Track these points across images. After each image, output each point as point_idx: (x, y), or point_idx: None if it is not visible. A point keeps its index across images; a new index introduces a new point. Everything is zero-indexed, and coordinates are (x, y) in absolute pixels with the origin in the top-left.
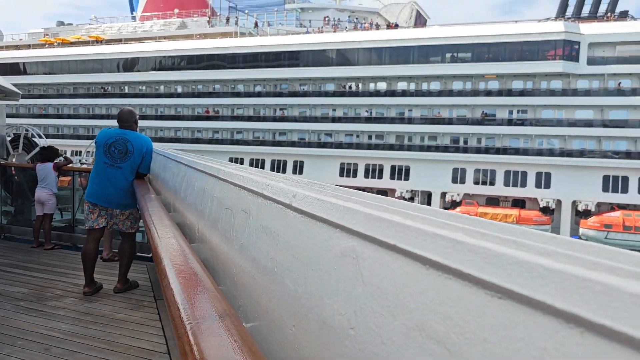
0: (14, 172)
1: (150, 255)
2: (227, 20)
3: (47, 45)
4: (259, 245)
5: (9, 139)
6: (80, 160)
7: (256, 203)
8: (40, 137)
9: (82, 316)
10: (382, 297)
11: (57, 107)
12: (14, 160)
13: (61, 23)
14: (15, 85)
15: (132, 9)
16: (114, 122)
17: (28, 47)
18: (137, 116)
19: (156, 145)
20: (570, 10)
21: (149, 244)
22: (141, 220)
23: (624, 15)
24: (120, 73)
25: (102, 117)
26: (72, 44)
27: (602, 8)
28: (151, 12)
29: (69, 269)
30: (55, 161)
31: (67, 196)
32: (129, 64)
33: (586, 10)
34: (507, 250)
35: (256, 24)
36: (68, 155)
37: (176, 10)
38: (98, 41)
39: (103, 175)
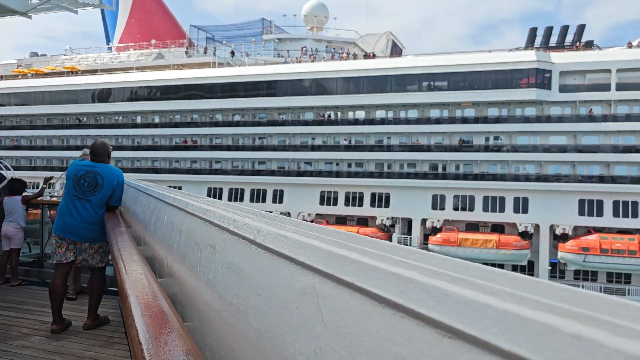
0: None
1: None
2: (205, 50)
3: (20, 77)
4: (224, 282)
5: None
6: (50, 193)
7: (222, 238)
8: (7, 169)
9: (50, 355)
10: (340, 336)
11: (30, 138)
12: None
13: (35, 54)
14: None
15: (108, 40)
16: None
17: (0, 78)
18: (111, 149)
19: (133, 176)
20: (538, 40)
21: (116, 279)
22: None
23: (589, 45)
24: (96, 104)
25: (77, 148)
26: (46, 75)
27: (569, 38)
28: (127, 42)
29: (37, 305)
30: (23, 194)
31: (36, 230)
32: (105, 95)
33: (554, 40)
34: (456, 288)
35: (233, 53)
36: (41, 184)
37: (153, 41)
38: (73, 72)
39: (72, 208)
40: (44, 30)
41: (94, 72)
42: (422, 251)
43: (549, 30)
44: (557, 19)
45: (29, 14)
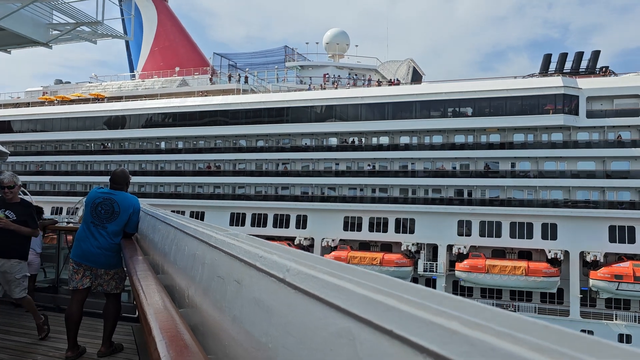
0: None
1: (136, 316)
2: (230, 78)
3: (46, 103)
4: (251, 319)
5: None
6: (67, 220)
7: (249, 274)
8: (25, 194)
9: None
10: None
11: (55, 164)
12: None
13: (59, 81)
14: (12, 142)
15: (132, 68)
16: None
17: (27, 105)
18: (130, 178)
19: (156, 202)
20: (552, 67)
21: (137, 309)
22: (127, 279)
23: (604, 71)
24: (120, 130)
25: (100, 173)
26: (72, 101)
27: (583, 64)
28: (151, 70)
29: (51, 332)
30: (39, 220)
31: (52, 255)
32: (130, 121)
33: (567, 66)
34: (503, 344)
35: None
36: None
37: (177, 69)
38: (99, 99)
39: (89, 234)
40: (61, 58)
41: (119, 98)
42: (459, 298)
43: (563, 57)
44: (564, 46)
45: (50, 44)
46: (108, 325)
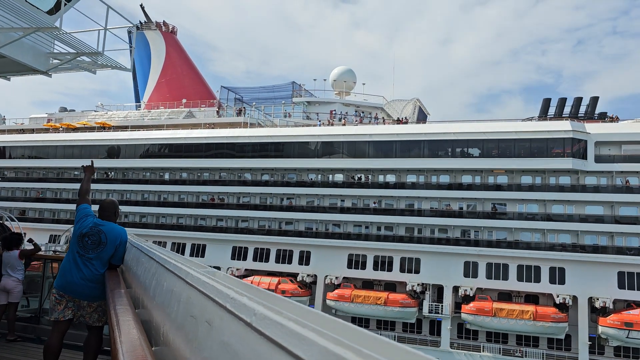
0: None
1: None
2: (239, 112)
3: (51, 130)
4: None
5: None
6: (54, 249)
7: (219, 315)
8: (12, 220)
9: None
10: None
11: (56, 191)
12: None
13: (64, 109)
14: (14, 168)
15: (138, 98)
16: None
17: (32, 131)
18: (119, 208)
19: (158, 232)
20: (551, 111)
21: (110, 344)
22: None
23: (603, 116)
24: (124, 159)
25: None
26: (77, 129)
27: (582, 109)
28: (157, 101)
29: None
30: (21, 248)
31: (37, 283)
32: (134, 150)
33: (566, 111)
34: None
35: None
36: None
37: (184, 100)
38: (105, 127)
39: (73, 265)
40: (61, 86)
41: (124, 128)
42: (416, 353)
43: (562, 101)
44: (557, 92)
45: (50, 73)
46: (88, 359)
